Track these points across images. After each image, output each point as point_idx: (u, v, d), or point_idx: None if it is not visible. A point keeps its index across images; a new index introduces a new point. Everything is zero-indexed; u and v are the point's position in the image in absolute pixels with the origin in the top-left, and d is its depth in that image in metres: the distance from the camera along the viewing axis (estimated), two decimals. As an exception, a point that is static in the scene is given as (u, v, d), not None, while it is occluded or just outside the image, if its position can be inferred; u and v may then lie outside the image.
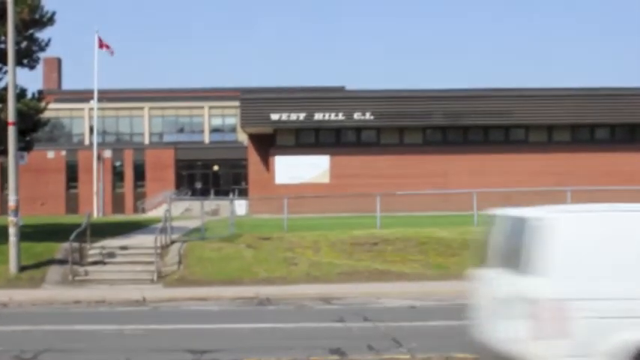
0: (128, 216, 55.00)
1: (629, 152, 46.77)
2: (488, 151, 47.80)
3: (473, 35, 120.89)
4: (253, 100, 48.78)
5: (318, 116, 47.59)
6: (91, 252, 25.01)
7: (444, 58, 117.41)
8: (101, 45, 53.21)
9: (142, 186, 62.02)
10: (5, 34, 23.50)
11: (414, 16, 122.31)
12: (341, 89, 55.70)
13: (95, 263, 24.33)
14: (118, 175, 62.35)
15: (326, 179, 47.77)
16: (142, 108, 63.19)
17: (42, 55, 28.60)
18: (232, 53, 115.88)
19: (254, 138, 51.60)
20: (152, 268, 23.39)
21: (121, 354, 12.40)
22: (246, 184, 55.54)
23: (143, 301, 19.69)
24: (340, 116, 47.67)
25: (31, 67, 28.19)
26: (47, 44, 28.03)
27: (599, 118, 47.79)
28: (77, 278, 23.01)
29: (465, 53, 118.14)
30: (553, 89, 48.90)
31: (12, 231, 22.32)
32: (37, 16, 26.95)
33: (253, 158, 52.22)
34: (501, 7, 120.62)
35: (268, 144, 49.73)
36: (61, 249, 24.97)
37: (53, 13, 27.51)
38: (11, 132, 22.39)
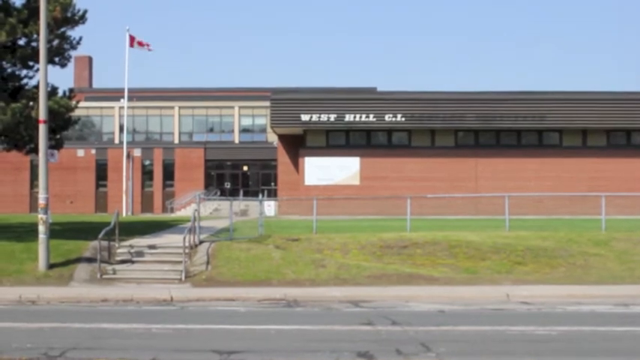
0: (157, 215, 55.34)
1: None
2: (520, 154, 47.56)
3: (506, 37, 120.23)
4: (284, 101, 48.88)
5: (348, 117, 47.58)
6: (120, 250, 25.22)
7: (476, 60, 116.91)
8: (132, 43, 53.61)
9: (171, 185, 62.33)
10: (37, 32, 23.77)
11: (446, 17, 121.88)
12: (373, 90, 55.56)
13: (123, 262, 24.52)
14: (147, 174, 62.69)
15: (356, 181, 47.75)
16: (172, 107, 63.48)
17: (73, 53, 28.90)
18: (263, 53, 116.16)
19: (284, 139, 51.72)
20: (180, 267, 23.54)
21: (147, 353, 12.47)
22: (276, 184, 55.65)
23: (171, 301, 19.80)
24: (371, 118, 47.61)
25: (63, 66, 28.47)
26: (78, 42, 28.29)
27: (635, 122, 47.31)
28: (105, 277, 23.20)
29: (498, 55, 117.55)
30: (587, 92, 48.43)
31: (41, 229, 22.55)
32: (68, 15, 27.23)
33: (283, 159, 52.33)
34: (533, 9, 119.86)
35: (298, 145, 49.82)
36: (90, 247, 25.21)
37: (85, 12, 27.77)
38: (42, 130, 22.60)
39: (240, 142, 63.07)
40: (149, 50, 54.38)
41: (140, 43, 53.85)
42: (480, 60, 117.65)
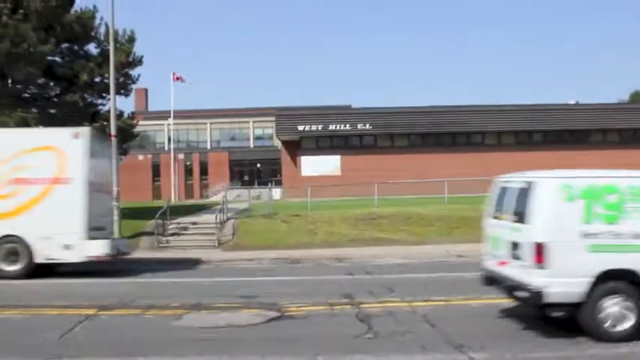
0: (196, 200, 55.28)
1: (559, 151, 46.17)
2: (456, 151, 47.64)
3: (447, 61, 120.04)
4: (285, 116, 48.85)
5: (331, 127, 47.63)
6: (170, 226, 25.26)
7: (423, 81, 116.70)
8: (175, 78, 53.48)
9: (206, 179, 62.31)
10: (108, 73, 23.75)
11: (403, 46, 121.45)
12: (348, 107, 55.61)
13: (173, 234, 24.60)
14: (188, 172, 62.59)
15: (338, 173, 47.76)
16: (205, 123, 63.48)
17: (134, 86, 28.87)
18: (270, 80, 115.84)
19: (286, 143, 51.68)
20: (214, 237, 23.64)
21: (193, 298, 12.58)
22: (281, 176, 55.65)
23: (207, 261, 19.90)
24: (348, 127, 47.68)
25: (126, 96, 28.48)
26: (137, 79, 28.29)
27: (535, 125, 47.61)
28: (161, 245, 23.29)
29: (439, 77, 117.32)
30: (501, 105, 48.69)
31: (115, 212, 22.54)
32: (130, 59, 27.22)
33: (285, 158, 52.30)
34: (465, 36, 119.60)
35: (296, 148, 49.80)
36: (150, 224, 25.27)
37: (141, 57, 27.79)
38: (113, 142, 22.57)
39: (255, 147, 63.06)
40: (183, 82, 53.97)
41: (178, 78, 53.62)
42: (430, 79, 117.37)
